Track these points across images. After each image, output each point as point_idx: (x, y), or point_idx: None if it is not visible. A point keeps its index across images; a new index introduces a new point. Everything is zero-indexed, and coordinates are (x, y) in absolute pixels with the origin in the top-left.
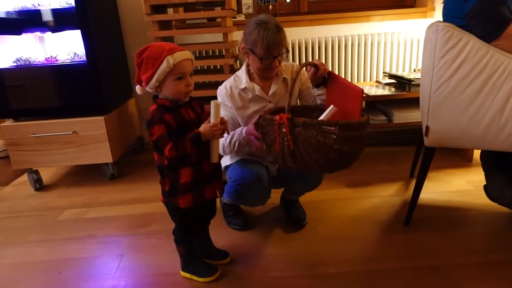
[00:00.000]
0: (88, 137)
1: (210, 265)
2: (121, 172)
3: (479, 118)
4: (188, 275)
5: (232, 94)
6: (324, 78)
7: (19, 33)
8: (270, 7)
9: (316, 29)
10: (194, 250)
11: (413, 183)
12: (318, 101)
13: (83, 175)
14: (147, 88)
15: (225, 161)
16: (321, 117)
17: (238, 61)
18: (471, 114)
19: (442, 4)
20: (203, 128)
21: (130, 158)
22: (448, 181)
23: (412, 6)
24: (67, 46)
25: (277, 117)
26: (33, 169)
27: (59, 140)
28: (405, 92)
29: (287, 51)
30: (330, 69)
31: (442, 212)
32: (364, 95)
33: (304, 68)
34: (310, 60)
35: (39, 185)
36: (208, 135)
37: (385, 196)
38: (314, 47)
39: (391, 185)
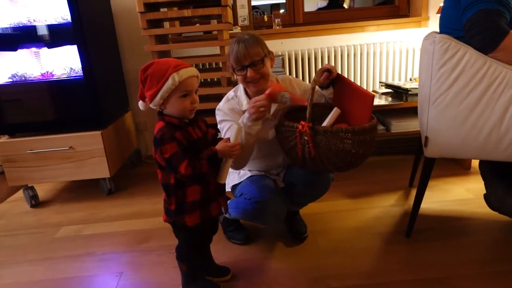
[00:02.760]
0: (85, 153)
1: (212, 282)
2: (119, 186)
3: (478, 129)
4: None
5: (234, 115)
6: (332, 81)
7: (15, 49)
8: (266, 18)
9: (312, 40)
10: (197, 267)
11: (412, 192)
12: (323, 101)
13: (80, 190)
14: (151, 105)
15: (233, 179)
16: (327, 119)
17: (235, 75)
18: (470, 125)
19: (438, 15)
20: (220, 146)
21: (127, 171)
22: (447, 190)
23: (406, 15)
24: (63, 61)
25: (300, 126)
26: (29, 185)
27: (56, 156)
28: (402, 102)
29: (261, 61)
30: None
31: (443, 222)
32: None
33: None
34: (307, 69)
35: (35, 202)
36: (226, 154)
37: (385, 206)
38: (310, 58)
39: (390, 195)
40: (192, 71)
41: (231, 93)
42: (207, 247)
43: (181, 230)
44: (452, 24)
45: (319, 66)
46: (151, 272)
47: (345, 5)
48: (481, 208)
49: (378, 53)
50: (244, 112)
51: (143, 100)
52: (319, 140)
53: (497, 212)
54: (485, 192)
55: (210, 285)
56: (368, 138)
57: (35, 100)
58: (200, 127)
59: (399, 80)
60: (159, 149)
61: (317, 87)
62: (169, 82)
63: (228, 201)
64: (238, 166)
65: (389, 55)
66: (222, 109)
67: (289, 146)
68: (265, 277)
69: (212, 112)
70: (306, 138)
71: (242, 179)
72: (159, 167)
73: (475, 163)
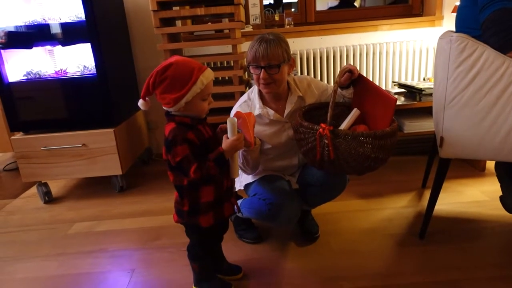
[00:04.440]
0: (97, 150)
1: (224, 281)
2: (130, 184)
3: (496, 130)
4: None
5: None
6: (352, 81)
7: (29, 47)
8: (277, 17)
9: (324, 39)
10: (209, 266)
11: (425, 194)
12: (341, 100)
13: (92, 187)
14: (173, 109)
15: (247, 177)
16: (346, 120)
17: (246, 73)
18: (487, 126)
19: (453, 14)
20: (225, 144)
21: (138, 169)
22: (462, 191)
23: (420, 15)
24: (77, 59)
25: (320, 129)
26: (43, 181)
27: (69, 153)
28: (415, 102)
29: (278, 66)
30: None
31: (457, 224)
32: None
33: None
34: (319, 68)
35: (49, 198)
36: (232, 150)
37: (398, 207)
38: (322, 57)
39: (403, 196)
40: (212, 73)
41: (244, 97)
42: (218, 246)
43: (194, 231)
44: (469, 23)
45: (331, 65)
46: (163, 269)
47: (356, 4)
48: (496, 210)
49: (391, 53)
50: (257, 115)
51: (144, 99)
52: (339, 144)
53: None
54: (501, 194)
55: (222, 283)
56: (389, 142)
57: (49, 98)
58: (209, 125)
59: (412, 80)
60: (171, 151)
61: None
62: (197, 85)
63: (241, 200)
64: (246, 171)
65: (402, 55)
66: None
67: (307, 147)
68: (276, 277)
69: (223, 111)
70: (326, 141)
71: (256, 178)
72: (170, 168)
73: (490, 164)
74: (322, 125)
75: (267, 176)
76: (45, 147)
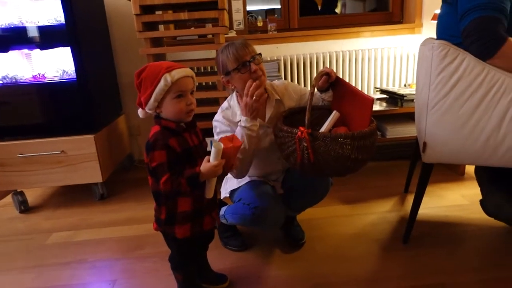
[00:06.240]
0: (77, 157)
1: None
2: (111, 191)
3: (476, 134)
4: None
5: (231, 125)
6: (330, 84)
7: (5, 50)
8: (260, 23)
9: (307, 45)
10: (193, 276)
11: (408, 198)
12: (320, 104)
13: (71, 195)
14: (146, 109)
15: (232, 184)
16: (326, 123)
17: (230, 85)
18: (468, 130)
19: (432, 21)
20: (204, 167)
21: (119, 176)
22: (442, 195)
23: (400, 22)
24: (56, 64)
25: (299, 132)
26: (18, 190)
27: (47, 160)
28: (397, 108)
29: (260, 55)
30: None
31: (440, 228)
32: None
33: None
34: (305, 74)
35: (25, 207)
36: (209, 175)
37: (381, 212)
38: (306, 63)
39: (386, 201)
40: (186, 71)
41: (225, 104)
42: (203, 255)
43: (172, 241)
44: (450, 31)
45: (315, 71)
46: (146, 280)
47: (337, 10)
48: (477, 214)
49: (373, 59)
50: (237, 123)
51: (142, 107)
52: (318, 146)
53: (493, 218)
54: (481, 198)
55: None
56: (368, 142)
57: (26, 103)
58: (197, 134)
59: (393, 85)
60: (149, 155)
61: (316, 90)
62: (161, 83)
63: (226, 207)
64: (241, 173)
65: (383, 61)
66: (218, 119)
67: (288, 151)
68: (263, 284)
69: (207, 116)
70: (305, 144)
71: (241, 184)
72: (150, 173)
73: (469, 169)
74: (301, 128)
75: (252, 182)
76: (21, 154)
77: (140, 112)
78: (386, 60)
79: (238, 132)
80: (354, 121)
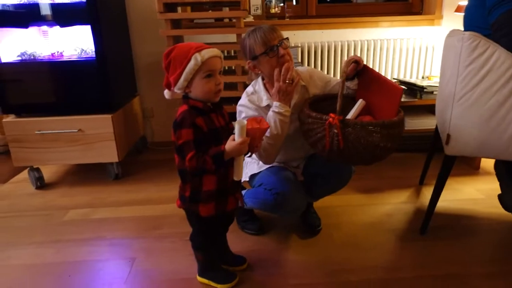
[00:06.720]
0: (94, 136)
1: (229, 271)
2: (125, 172)
3: (502, 129)
4: (206, 281)
5: (257, 110)
6: (357, 72)
7: (25, 27)
8: (277, 9)
9: (325, 33)
10: (213, 256)
11: (423, 190)
12: (345, 92)
13: (85, 174)
14: (175, 89)
15: (252, 168)
16: (352, 111)
17: (256, 69)
18: (495, 124)
19: (455, 13)
20: (228, 146)
21: (133, 158)
22: (458, 189)
23: (419, 13)
24: (74, 42)
25: (330, 119)
26: (35, 166)
27: (64, 138)
28: (416, 99)
29: (287, 39)
30: (338, 74)
31: (455, 220)
32: None
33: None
34: (319, 61)
35: (41, 183)
36: (233, 152)
37: (397, 203)
38: (323, 51)
39: (401, 192)
40: (214, 51)
41: (250, 89)
42: (223, 236)
43: (195, 219)
44: (477, 22)
45: (332, 59)
46: (165, 259)
47: None
48: (492, 208)
49: (392, 50)
50: (264, 108)
51: (169, 88)
52: (348, 133)
53: (510, 213)
54: (499, 192)
55: (227, 274)
56: (396, 132)
57: (44, 80)
58: (223, 115)
59: (410, 77)
60: (176, 133)
61: (333, 82)
62: (191, 63)
63: (245, 191)
64: (270, 158)
65: (402, 52)
66: (244, 104)
67: (316, 138)
68: (281, 268)
69: (224, 101)
70: (335, 130)
71: (261, 169)
72: (176, 150)
73: (484, 163)
74: (332, 115)
75: (273, 167)
76: (40, 131)
77: (166, 93)
78: (404, 51)
79: (271, 117)
80: (381, 110)
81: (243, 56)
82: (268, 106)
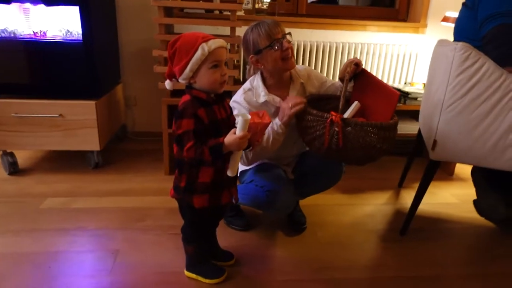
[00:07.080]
0: (76, 122)
1: (218, 266)
2: (105, 161)
3: (486, 137)
4: (193, 275)
5: (251, 108)
6: (354, 75)
7: (8, 2)
8: (265, 5)
9: (314, 32)
10: (204, 250)
11: (402, 193)
12: (338, 93)
13: (62, 161)
14: (181, 79)
15: (243, 165)
16: (347, 112)
17: (242, 57)
18: (479, 132)
19: (443, 23)
20: (228, 138)
21: (113, 146)
22: (434, 193)
23: (404, 20)
24: (59, 22)
25: (332, 117)
26: (8, 151)
27: (44, 123)
28: (400, 105)
29: (290, 34)
30: (325, 74)
31: (433, 223)
32: None
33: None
34: (307, 61)
35: (14, 169)
36: (232, 146)
37: (377, 204)
38: (312, 50)
39: (381, 194)
40: (221, 41)
41: (247, 85)
42: (213, 230)
43: (188, 210)
44: (467, 34)
45: (320, 59)
46: (150, 252)
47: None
48: (466, 212)
49: (377, 54)
50: (260, 105)
51: (171, 78)
52: (348, 132)
53: (484, 218)
54: (473, 198)
55: (216, 269)
56: (392, 134)
57: (24, 60)
58: (225, 108)
59: (393, 82)
60: (177, 122)
61: (337, 79)
62: (198, 53)
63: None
64: (252, 162)
65: (387, 57)
66: (239, 101)
67: (314, 135)
68: (267, 264)
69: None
70: (336, 129)
71: (252, 165)
72: (175, 140)
73: (458, 170)
74: (333, 113)
75: (264, 164)
76: (17, 113)
77: (167, 83)
78: (389, 56)
79: (267, 131)
80: (375, 113)
81: (245, 51)
82: (266, 102)
